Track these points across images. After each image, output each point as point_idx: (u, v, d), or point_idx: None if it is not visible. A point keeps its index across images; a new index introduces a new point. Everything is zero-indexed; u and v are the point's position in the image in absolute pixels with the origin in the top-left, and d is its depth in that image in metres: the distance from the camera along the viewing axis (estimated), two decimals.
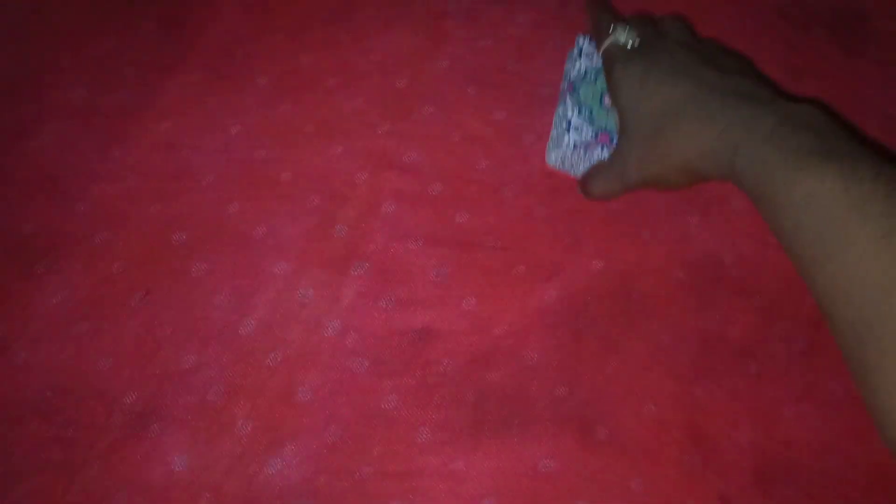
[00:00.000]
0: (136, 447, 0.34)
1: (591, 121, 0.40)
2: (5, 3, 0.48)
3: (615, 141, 0.40)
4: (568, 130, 0.40)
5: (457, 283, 0.39)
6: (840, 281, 0.27)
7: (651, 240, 0.40)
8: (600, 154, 0.40)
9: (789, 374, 0.37)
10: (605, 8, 0.43)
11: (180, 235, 0.40)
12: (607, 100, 0.41)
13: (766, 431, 0.35)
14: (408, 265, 0.39)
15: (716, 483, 0.34)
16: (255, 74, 0.45)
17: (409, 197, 0.41)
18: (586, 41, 0.43)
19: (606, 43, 0.39)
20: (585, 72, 0.42)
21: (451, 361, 0.37)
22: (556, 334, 0.37)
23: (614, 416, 0.35)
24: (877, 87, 0.45)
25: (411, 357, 0.37)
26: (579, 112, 0.40)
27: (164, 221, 0.40)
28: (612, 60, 0.38)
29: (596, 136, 0.40)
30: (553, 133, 0.41)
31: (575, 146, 0.40)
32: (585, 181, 0.40)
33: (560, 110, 0.41)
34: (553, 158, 0.41)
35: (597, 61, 0.42)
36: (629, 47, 0.38)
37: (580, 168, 0.40)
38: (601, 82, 0.41)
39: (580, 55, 0.42)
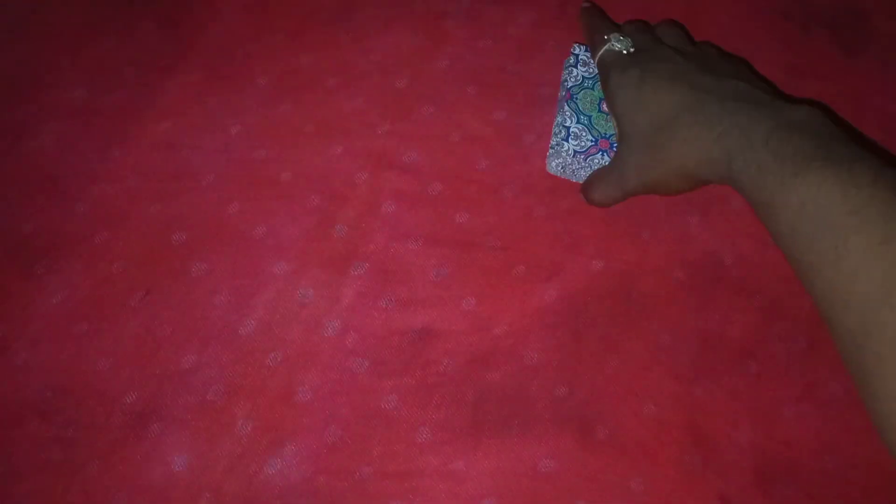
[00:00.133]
0: (136, 447, 0.34)
1: (590, 128, 0.40)
2: (5, 3, 0.48)
3: (615, 147, 0.40)
4: (567, 138, 0.40)
5: (457, 283, 0.39)
6: (838, 288, 0.27)
7: (651, 240, 0.40)
8: (601, 160, 0.40)
9: (789, 374, 0.37)
10: (599, 16, 0.43)
11: (180, 235, 0.40)
12: (605, 106, 0.41)
13: (766, 431, 0.35)
14: (408, 265, 0.39)
15: (716, 483, 0.34)
16: (255, 74, 0.45)
17: (409, 197, 0.41)
18: (582, 49, 0.43)
19: (602, 50, 0.39)
20: (582, 79, 0.42)
21: (450, 361, 0.37)
22: (556, 334, 0.37)
23: (614, 416, 0.35)
24: (877, 87, 0.45)
25: (411, 357, 0.37)
26: (578, 119, 0.41)
27: (164, 221, 0.40)
28: (609, 68, 0.38)
29: (596, 142, 0.40)
30: (552, 141, 0.41)
31: (575, 153, 0.40)
32: (587, 188, 0.40)
33: (559, 118, 0.41)
34: (554, 166, 0.41)
35: (593, 69, 0.42)
36: (625, 54, 0.38)
37: (581, 175, 0.41)
38: (598, 89, 0.42)
39: (576, 63, 0.43)
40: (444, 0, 0.48)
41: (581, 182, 0.41)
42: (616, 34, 0.39)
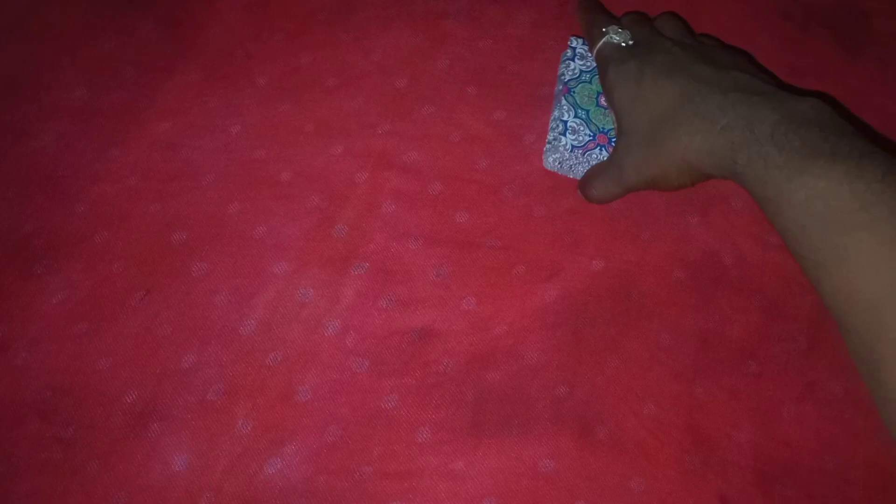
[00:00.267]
0: (136, 447, 0.34)
1: (587, 122, 0.40)
2: (5, 3, 0.48)
3: (613, 141, 0.39)
4: (564, 133, 0.40)
5: (457, 282, 0.39)
6: (847, 288, 0.26)
7: (651, 240, 0.40)
8: (599, 155, 0.39)
9: (789, 374, 0.37)
10: (597, 8, 0.42)
11: (180, 235, 0.40)
12: (603, 100, 0.40)
13: (766, 431, 0.35)
14: (408, 265, 0.39)
15: (716, 483, 0.34)
16: (255, 74, 0.45)
17: (408, 197, 0.41)
18: (579, 42, 0.43)
19: (600, 43, 0.39)
20: (580, 73, 0.41)
21: (450, 361, 0.37)
22: (556, 334, 0.37)
23: (614, 416, 0.35)
24: (877, 87, 0.45)
25: (411, 357, 0.37)
26: (575, 114, 0.40)
27: (164, 221, 0.40)
28: (607, 61, 0.37)
29: (594, 136, 0.40)
30: (549, 136, 0.40)
31: (573, 148, 0.40)
32: (585, 184, 0.39)
33: (556, 113, 0.41)
34: (551, 162, 0.41)
35: (591, 62, 0.42)
36: (623, 47, 0.37)
37: (579, 170, 0.40)
38: (596, 83, 0.41)
39: (573, 57, 0.42)
40: (444, 0, 0.48)
41: (578, 178, 0.40)
42: (614, 26, 0.39)
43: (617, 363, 0.37)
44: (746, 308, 0.38)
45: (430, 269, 0.39)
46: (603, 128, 0.40)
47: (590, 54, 0.41)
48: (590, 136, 0.40)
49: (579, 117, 0.40)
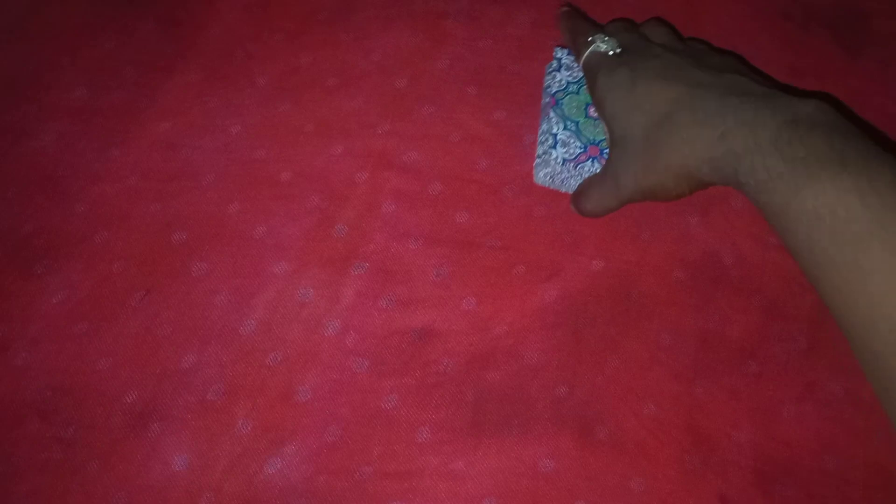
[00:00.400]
0: (136, 447, 0.34)
1: (578, 134, 0.39)
2: (5, 3, 0.48)
3: (605, 153, 0.38)
4: (555, 146, 0.39)
5: (457, 282, 0.39)
6: (863, 308, 0.25)
7: (651, 240, 0.40)
8: (591, 168, 0.38)
9: (789, 374, 0.37)
10: (580, 18, 0.41)
11: (180, 235, 0.40)
12: (593, 111, 0.39)
13: (766, 431, 0.35)
14: (408, 265, 0.39)
15: (716, 483, 0.34)
16: (255, 74, 0.45)
17: (408, 197, 0.41)
18: (564, 53, 0.42)
19: (587, 53, 0.37)
20: (567, 84, 0.40)
21: (450, 361, 0.37)
22: (556, 334, 0.37)
23: (614, 416, 0.35)
24: (877, 87, 0.45)
25: (411, 357, 0.37)
26: (565, 126, 0.39)
27: (164, 221, 0.40)
28: (595, 70, 0.36)
29: (585, 149, 0.39)
30: (539, 150, 0.39)
31: (564, 162, 0.38)
32: (578, 197, 0.38)
33: (544, 126, 0.40)
34: (542, 176, 0.40)
35: (577, 73, 0.41)
36: (611, 55, 0.36)
37: (571, 184, 0.39)
38: (584, 93, 0.40)
39: (559, 67, 0.41)
40: (444, 0, 0.48)
41: (571, 192, 0.39)
42: (600, 35, 0.37)
43: (617, 363, 0.37)
44: (746, 308, 0.38)
45: (430, 269, 0.39)
46: (594, 139, 0.39)
47: (576, 64, 0.40)
48: (581, 148, 0.38)
49: (569, 129, 0.39)
